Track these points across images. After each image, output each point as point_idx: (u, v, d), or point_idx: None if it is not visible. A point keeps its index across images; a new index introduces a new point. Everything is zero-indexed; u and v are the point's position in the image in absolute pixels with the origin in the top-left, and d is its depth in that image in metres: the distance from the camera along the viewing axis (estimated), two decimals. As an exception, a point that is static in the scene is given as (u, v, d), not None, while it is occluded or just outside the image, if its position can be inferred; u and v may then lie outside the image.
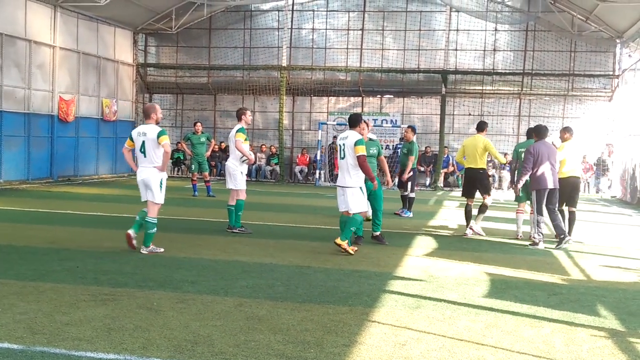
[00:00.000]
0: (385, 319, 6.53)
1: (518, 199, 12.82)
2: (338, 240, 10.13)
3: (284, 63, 28.54)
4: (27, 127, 22.68)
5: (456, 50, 27.94)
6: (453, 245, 11.81)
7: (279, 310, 6.70)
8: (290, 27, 28.99)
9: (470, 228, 13.07)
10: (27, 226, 12.50)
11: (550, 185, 11.54)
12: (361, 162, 10.02)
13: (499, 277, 8.98)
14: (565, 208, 12.68)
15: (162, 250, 9.89)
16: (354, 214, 10.18)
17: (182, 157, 29.07)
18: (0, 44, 21.20)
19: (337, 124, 27.80)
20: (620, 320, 6.82)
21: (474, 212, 13.03)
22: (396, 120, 27.97)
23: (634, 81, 23.91)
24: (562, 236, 11.66)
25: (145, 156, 9.82)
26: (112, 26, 27.47)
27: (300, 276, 8.50)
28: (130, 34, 29.08)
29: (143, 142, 9.76)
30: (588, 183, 26.42)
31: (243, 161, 12.02)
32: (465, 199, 13.25)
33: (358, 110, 28.93)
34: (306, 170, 28.44)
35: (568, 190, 12.44)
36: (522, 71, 27.42)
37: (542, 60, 27.35)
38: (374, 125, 27.93)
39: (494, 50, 27.89)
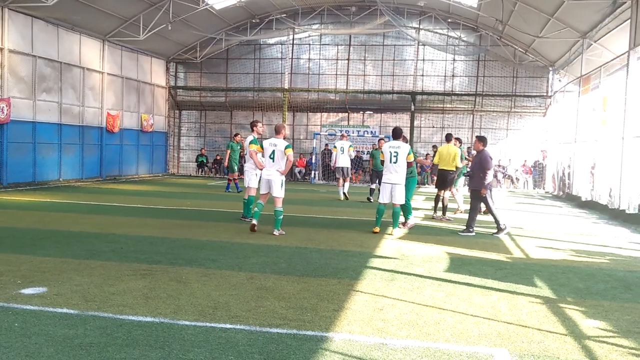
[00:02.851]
0: (366, 289, 6.52)
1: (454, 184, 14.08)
2: (391, 230, 10.85)
3: (286, 86, 28.52)
4: (82, 137, 22.57)
5: (422, 75, 27.94)
6: (420, 230, 11.78)
7: (282, 282, 6.68)
8: (291, 57, 28.96)
9: (441, 217, 13.65)
10: (82, 215, 12.44)
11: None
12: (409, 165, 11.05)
13: (456, 255, 8.98)
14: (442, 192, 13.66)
15: (284, 233, 10.32)
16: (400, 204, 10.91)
17: (205, 161, 29.04)
18: (60, 71, 21.10)
19: (329, 134, 27.86)
20: (552, 290, 6.83)
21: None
22: (375, 132, 27.97)
23: (562, 100, 23.96)
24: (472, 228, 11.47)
25: (273, 161, 10.34)
26: (149, 56, 27.34)
27: (299, 255, 8.48)
28: (164, 62, 28.96)
29: (273, 151, 10.32)
30: (527, 181, 26.48)
31: (255, 167, 11.97)
32: (437, 191, 13.90)
33: (345, 123, 28.92)
34: (304, 171, 28.40)
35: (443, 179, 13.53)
36: (474, 92, 27.43)
37: (490, 83, 27.36)
38: (358, 136, 27.98)
39: (453, 75, 27.89)
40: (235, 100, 29.81)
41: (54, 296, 5.76)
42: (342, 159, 17.94)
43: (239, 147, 19.28)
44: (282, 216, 10.46)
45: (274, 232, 10.31)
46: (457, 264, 8.25)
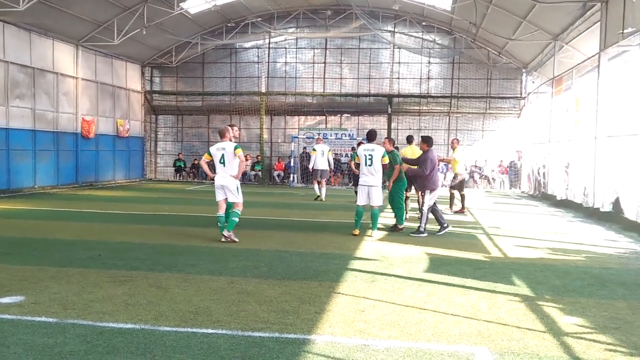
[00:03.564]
0: (347, 291, 6.54)
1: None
2: (371, 232, 10.92)
3: (263, 89, 28.46)
4: (56, 143, 22.21)
5: (399, 78, 28.09)
6: (400, 232, 11.84)
7: (263, 286, 6.67)
8: (267, 61, 28.89)
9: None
10: (58, 222, 12.25)
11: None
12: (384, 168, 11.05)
13: (435, 256, 9.05)
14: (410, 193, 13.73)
15: (237, 240, 9.85)
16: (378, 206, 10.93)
17: (182, 165, 28.82)
18: (33, 76, 20.76)
19: (307, 137, 27.87)
20: (530, 288, 6.93)
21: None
22: (353, 134, 28.04)
23: (536, 102, 24.33)
24: (445, 225, 11.60)
25: (224, 166, 9.90)
26: (124, 61, 27.06)
27: (279, 258, 8.47)
28: (139, 67, 28.68)
29: (222, 155, 9.89)
30: (503, 181, 26.80)
31: None
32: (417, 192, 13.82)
33: (322, 126, 28.96)
34: (282, 174, 28.37)
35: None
36: (450, 95, 27.68)
37: (465, 85, 27.63)
38: (335, 139, 28.05)
39: (428, 78, 28.10)
40: (212, 105, 29.65)
41: (32, 305, 5.67)
42: (321, 162, 18.33)
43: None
44: (237, 219, 10.02)
45: (224, 233, 9.86)
46: (437, 264, 8.32)
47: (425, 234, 11.26)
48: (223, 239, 9.84)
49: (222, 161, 9.93)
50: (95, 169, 24.93)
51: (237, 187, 10.02)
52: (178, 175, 28.87)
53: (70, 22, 21.29)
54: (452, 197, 15.73)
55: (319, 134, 27.90)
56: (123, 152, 27.28)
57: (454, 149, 15.92)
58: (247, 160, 19.17)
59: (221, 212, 10.10)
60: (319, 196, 18.59)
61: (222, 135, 10.16)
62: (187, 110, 30.00)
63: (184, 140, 30.21)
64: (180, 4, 22.85)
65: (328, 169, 18.67)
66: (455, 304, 6.12)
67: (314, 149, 18.77)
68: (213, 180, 10.18)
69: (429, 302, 6.17)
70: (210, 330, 5.01)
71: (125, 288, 6.42)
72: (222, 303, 5.89)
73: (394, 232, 11.63)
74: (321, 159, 18.32)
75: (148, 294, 6.20)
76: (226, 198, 10.07)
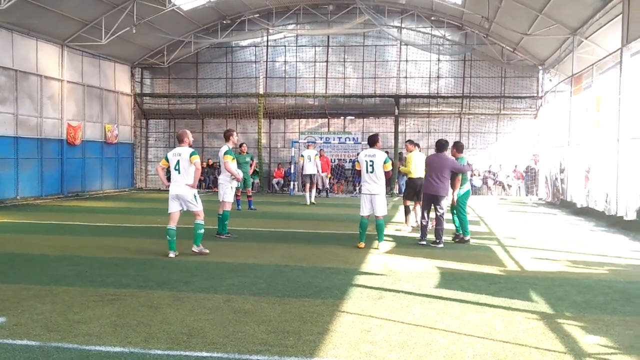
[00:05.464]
0: (352, 309, 6.53)
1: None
2: (377, 244, 10.92)
3: (261, 91, 28.52)
4: (40, 151, 22.28)
5: (406, 77, 28.13)
6: (407, 243, 11.84)
7: (261, 304, 6.66)
8: (265, 60, 28.95)
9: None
10: (42, 236, 12.27)
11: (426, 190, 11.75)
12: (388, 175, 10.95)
13: (446, 270, 9.02)
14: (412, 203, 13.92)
15: (207, 252, 9.91)
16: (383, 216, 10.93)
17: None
18: (15, 79, 20.86)
19: (308, 142, 27.79)
20: (549, 304, 6.90)
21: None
22: (357, 138, 28.07)
23: (554, 101, 24.33)
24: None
25: (179, 173, 9.76)
26: (112, 62, 27.16)
27: (279, 274, 8.46)
28: (128, 68, 28.79)
29: (178, 161, 9.76)
30: (519, 187, 26.77)
31: (232, 179, 11.95)
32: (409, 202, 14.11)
33: (325, 130, 29.00)
34: (282, 182, 28.38)
35: (418, 188, 13.41)
36: (461, 95, 27.71)
37: (478, 85, 27.65)
38: (339, 143, 28.07)
39: (438, 77, 28.14)
40: (206, 108, 29.72)
41: (13, 326, 5.66)
42: (309, 167, 20.51)
43: (249, 159, 18.65)
44: (202, 230, 9.98)
45: (193, 249, 9.88)
46: (448, 279, 8.30)
47: (442, 245, 11.26)
48: (172, 254, 9.69)
49: (177, 168, 9.79)
50: (81, 178, 24.97)
51: (195, 195, 9.89)
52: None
53: (55, 21, 21.39)
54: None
55: (320, 137, 27.96)
56: (111, 160, 27.34)
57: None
58: (252, 166, 19.39)
59: (172, 224, 9.80)
60: (310, 203, 20.49)
61: (180, 139, 10.05)
62: (180, 114, 30.07)
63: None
64: (172, 0, 22.94)
65: (315, 173, 20.90)
66: (469, 322, 6.09)
67: (302, 155, 21.03)
68: (167, 188, 10.03)
69: (440, 320, 6.15)
70: (204, 354, 5.00)
71: (114, 307, 6.42)
72: (217, 323, 5.87)
73: (459, 243, 11.72)
74: (308, 164, 20.48)
75: (138, 314, 6.19)
76: (180, 210, 9.92)
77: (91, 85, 25.59)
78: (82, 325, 5.76)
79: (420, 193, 13.57)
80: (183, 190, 9.77)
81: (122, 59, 27.66)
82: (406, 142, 15.41)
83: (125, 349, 5.08)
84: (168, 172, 10.13)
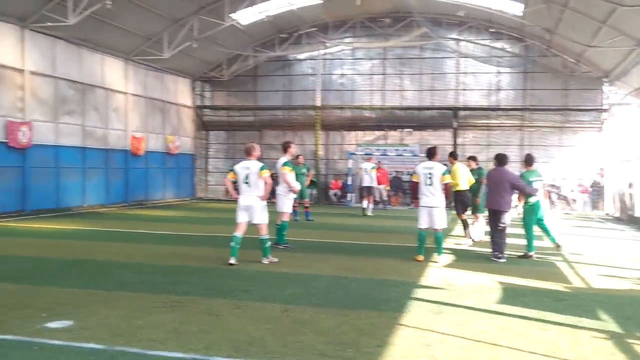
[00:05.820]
0: (411, 323, 6.44)
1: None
2: (436, 257, 10.76)
3: (318, 103, 28.69)
4: (106, 161, 23.07)
5: (464, 90, 27.79)
6: (467, 257, 11.63)
7: (319, 315, 6.65)
8: (322, 73, 29.15)
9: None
10: (107, 243, 12.65)
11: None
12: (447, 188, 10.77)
13: (509, 285, 8.80)
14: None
15: (276, 260, 10.18)
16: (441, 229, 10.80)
17: (234, 183, 29.26)
18: (82, 92, 21.69)
19: (365, 154, 27.73)
20: (618, 323, 6.63)
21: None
22: (415, 150, 27.81)
23: (620, 114, 23.52)
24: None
25: (249, 186, 10.01)
26: (174, 75, 27.91)
27: (336, 285, 8.44)
28: (189, 81, 29.51)
29: (247, 174, 9.99)
30: (585, 202, 25.93)
31: (290, 191, 12.03)
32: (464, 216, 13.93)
33: (382, 142, 28.90)
34: (339, 193, 28.40)
35: (466, 200, 13.51)
36: (522, 107, 27.13)
37: (539, 97, 26.99)
38: (396, 155, 27.88)
39: (498, 89, 27.65)
40: (264, 120, 30.11)
41: (81, 330, 5.85)
42: (366, 179, 20.97)
43: (305, 170, 18.73)
44: (269, 243, 10.28)
45: (263, 261, 10.11)
46: (511, 295, 8.09)
47: (504, 260, 11.02)
48: (232, 261, 9.81)
49: (246, 181, 10.00)
50: (144, 188, 25.68)
51: (263, 207, 10.09)
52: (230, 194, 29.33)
53: (120, 36, 22.17)
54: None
55: (377, 150, 27.84)
56: (173, 170, 28.02)
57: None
58: (309, 177, 19.68)
59: (238, 232, 10.02)
60: (368, 214, 20.88)
61: (248, 152, 10.27)
62: (239, 126, 30.55)
63: (236, 157, 30.66)
64: (231, 15, 23.42)
65: (372, 185, 21.29)
66: (533, 339, 5.92)
67: (360, 168, 21.65)
68: (236, 200, 10.22)
69: (502, 337, 5.99)
70: (264, 363, 5.02)
71: (176, 314, 6.54)
72: (276, 333, 5.90)
73: (524, 258, 11.48)
74: (366, 177, 20.92)
75: (199, 321, 6.28)
76: (248, 221, 10.09)
77: (154, 98, 26.34)
78: (145, 330, 5.88)
79: (468, 205, 13.65)
80: (253, 201, 9.99)
81: (183, 73, 28.38)
82: (467, 158, 15.26)
83: (186, 355, 5.16)
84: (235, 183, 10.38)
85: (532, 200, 11.54)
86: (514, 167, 26.05)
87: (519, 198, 11.50)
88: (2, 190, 18.05)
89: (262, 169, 9.98)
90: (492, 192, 11.29)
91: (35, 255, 10.72)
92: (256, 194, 9.99)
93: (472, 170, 14.17)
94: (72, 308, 6.73)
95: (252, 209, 10.00)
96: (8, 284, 8.03)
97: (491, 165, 12.50)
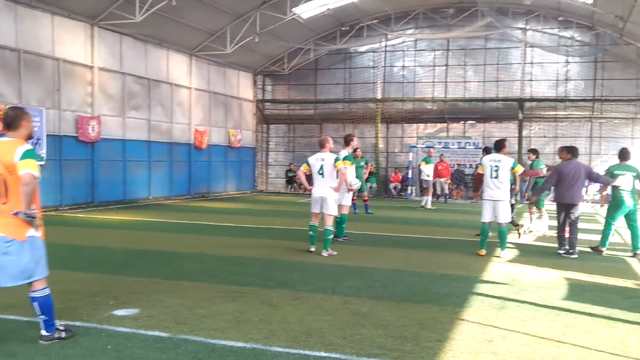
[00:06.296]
0: (473, 318, 6.35)
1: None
2: (499, 252, 10.62)
3: (379, 96, 28.55)
4: (170, 154, 23.69)
5: (531, 80, 27.01)
6: (532, 252, 11.35)
7: (379, 308, 6.64)
8: (383, 65, 28.95)
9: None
10: (171, 235, 13.01)
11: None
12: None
13: (575, 281, 8.55)
14: None
15: (335, 253, 10.32)
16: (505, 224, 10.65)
17: (294, 176, 29.52)
18: (148, 87, 22.32)
19: (426, 147, 27.45)
20: (693, 323, 6.33)
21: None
22: (478, 143, 27.33)
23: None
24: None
25: (323, 177, 10.33)
26: (236, 70, 28.34)
27: (396, 278, 8.41)
28: (251, 75, 29.91)
29: (321, 166, 10.32)
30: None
31: (354, 185, 12.03)
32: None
33: (443, 134, 28.52)
34: (399, 186, 28.23)
35: None
36: (592, 97, 26.18)
37: (610, 87, 25.95)
38: (458, 148, 27.46)
39: (566, 79, 26.76)
40: (324, 113, 30.20)
41: (146, 318, 6.04)
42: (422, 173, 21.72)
43: (363, 164, 18.54)
44: (331, 235, 10.45)
45: (323, 253, 10.26)
46: (577, 291, 7.85)
47: (575, 255, 10.72)
48: (312, 249, 10.45)
49: (320, 172, 10.31)
50: (207, 180, 26.25)
51: (336, 200, 10.40)
52: (289, 186, 29.67)
53: (184, 32, 22.68)
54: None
55: (439, 142, 27.51)
56: (234, 163, 28.51)
57: None
58: (367, 170, 19.88)
59: (314, 221, 10.51)
60: (428, 207, 21.11)
61: (321, 145, 10.58)
62: (299, 119, 30.79)
63: (296, 151, 30.99)
64: (293, 9, 23.56)
65: (430, 179, 21.80)
66: (600, 337, 5.73)
67: (423, 160, 22.16)
68: (309, 192, 10.60)
69: (568, 334, 5.83)
70: (323, 354, 5.06)
71: (237, 304, 6.67)
72: (335, 324, 5.93)
73: (595, 252, 11.29)
74: (422, 170, 21.72)
75: (259, 311, 6.39)
76: (320, 212, 10.42)
77: (217, 93, 26.84)
78: (208, 319, 6.03)
79: None
80: (326, 192, 10.28)
81: (245, 67, 28.79)
82: (528, 150, 15.11)
83: (247, 344, 5.26)
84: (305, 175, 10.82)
85: (618, 194, 11.09)
86: (584, 160, 25.29)
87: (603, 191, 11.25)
88: (73, 182, 18.82)
89: (336, 160, 10.26)
90: (566, 186, 10.87)
91: (103, 245, 11.13)
92: (329, 185, 10.28)
93: (531, 163, 13.99)
94: (139, 297, 6.96)
95: (324, 200, 10.30)
96: (79, 273, 8.38)
97: (549, 159, 12.18)
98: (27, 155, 4.94)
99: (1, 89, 16.27)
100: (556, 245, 11.38)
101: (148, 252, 10.44)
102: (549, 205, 13.55)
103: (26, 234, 5.00)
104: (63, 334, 5.25)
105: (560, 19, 25.99)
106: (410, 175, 26.98)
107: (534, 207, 14.24)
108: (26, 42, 16.94)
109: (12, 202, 4.95)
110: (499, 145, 10.83)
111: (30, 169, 4.90)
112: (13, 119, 5.15)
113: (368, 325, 5.94)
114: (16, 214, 4.91)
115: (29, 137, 5.28)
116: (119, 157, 20.83)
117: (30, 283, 5.11)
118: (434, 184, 23.02)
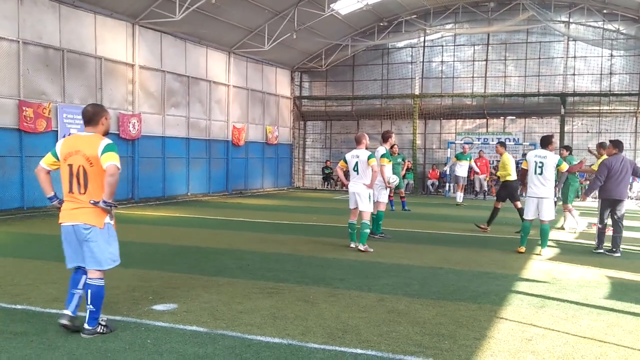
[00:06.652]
0: (512, 316, 6.26)
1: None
2: (540, 250, 10.49)
3: (417, 92, 28.30)
4: (208, 151, 23.98)
5: (574, 74, 26.43)
6: (573, 250, 11.13)
7: (415, 306, 6.60)
8: (422, 60, 28.70)
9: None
10: (209, 231, 13.17)
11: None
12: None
13: (618, 280, 8.34)
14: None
15: (372, 250, 10.34)
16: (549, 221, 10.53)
17: (330, 173, 29.56)
18: (187, 85, 22.62)
19: (465, 143, 27.13)
20: None
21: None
22: (518, 139, 26.88)
23: None
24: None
25: (357, 174, 10.51)
26: (274, 66, 28.49)
27: (433, 276, 8.34)
28: (288, 72, 30.03)
29: (357, 162, 10.51)
30: None
31: (392, 182, 12.01)
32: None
33: (483, 130, 28.14)
34: (437, 183, 27.98)
35: (513, 191, 13.56)
36: (637, 92, 25.46)
37: (657, 81, 25.27)
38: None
39: (610, 73, 26.10)
40: (362, 109, 30.13)
41: (184, 313, 6.13)
42: (460, 169, 21.49)
43: (400, 160, 18.58)
44: (368, 230, 10.51)
45: (360, 247, 10.33)
46: (620, 290, 7.66)
47: (619, 254, 10.48)
48: (352, 245, 10.60)
49: (355, 169, 10.49)
50: (244, 177, 26.48)
51: (370, 195, 10.43)
52: (326, 183, 29.71)
53: (223, 30, 22.90)
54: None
55: (478, 138, 27.17)
56: (271, 160, 28.69)
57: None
58: (405, 166, 19.85)
59: (353, 219, 10.69)
60: (458, 203, 21.01)
61: (358, 141, 10.74)
62: (336, 116, 30.78)
63: (333, 147, 31.01)
64: (331, 5, 23.54)
65: (464, 175, 21.68)
66: (645, 339, 5.58)
67: (455, 157, 22.18)
68: (347, 188, 10.83)
69: (610, 334, 5.70)
70: (359, 351, 5.05)
71: (273, 300, 6.71)
72: (371, 322, 5.92)
73: None
74: (460, 166, 21.49)
75: (295, 307, 6.42)
76: (357, 208, 10.54)
77: (254, 89, 27.03)
78: (245, 315, 6.08)
79: (515, 195, 13.50)
80: (360, 188, 10.41)
81: (282, 64, 28.91)
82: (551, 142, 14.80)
83: (283, 340, 5.29)
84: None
85: None
86: (629, 155, 24.68)
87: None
88: (115, 179, 19.19)
89: (370, 157, 10.34)
90: (614, 181, 10.60)
91: (143, 241, 11.32)
92: (364, 181, 10.39)
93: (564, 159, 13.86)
94: (176, 292, 7.06)
95: (359, 196, 10.40)
96: (119, 268, 8.42)
97: (583, 154, 11.95)
98: (109, 148, 5.33)
99: (45, 88, 16.72)
100: (593, 242, 11.15)
101: (186, 248, 10.59)
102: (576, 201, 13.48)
103: (104, 221, 5.34)
104: (104, 329, 5.38)
105: (605, 11, 25.36)
106: (448, 172, 26.72)
107: (565, 204, 14.20)
108: (69, 41, 17.37)
109: (90, 192, 5.29)
110: (546, 141, 10.60)
111: (114, 161, 5.29)
112: (93, 115, 5.48)
113: (404, 322, 5.91)
114: (95, 203, 5.24)
115: (106, 133, 5.59)
116: (158, 154, 21.18)
117: (89, 270, 5.38)
118: (473, 181, 22.81)
